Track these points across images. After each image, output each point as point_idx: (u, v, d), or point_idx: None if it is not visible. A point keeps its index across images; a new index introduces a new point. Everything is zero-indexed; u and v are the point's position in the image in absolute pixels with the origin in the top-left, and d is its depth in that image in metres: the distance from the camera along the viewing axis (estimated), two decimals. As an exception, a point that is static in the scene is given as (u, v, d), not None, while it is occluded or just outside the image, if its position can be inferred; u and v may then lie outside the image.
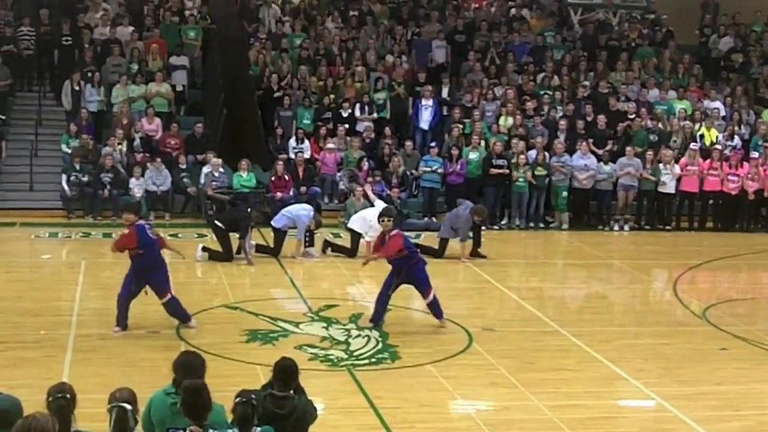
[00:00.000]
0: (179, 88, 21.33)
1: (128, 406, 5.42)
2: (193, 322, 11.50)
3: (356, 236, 15.90)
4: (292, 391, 6.15)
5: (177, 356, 6.25)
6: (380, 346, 11.11)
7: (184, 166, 19.37)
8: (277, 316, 12.13)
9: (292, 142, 20.12)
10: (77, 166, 18.65)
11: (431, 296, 11.89)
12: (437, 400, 9.48)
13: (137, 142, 19.74)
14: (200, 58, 22.09)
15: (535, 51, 23.63)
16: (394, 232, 11.91)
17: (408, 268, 11.81)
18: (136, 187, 18.73)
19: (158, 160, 19.00)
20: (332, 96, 21.27)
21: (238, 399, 5.64)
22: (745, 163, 20.16)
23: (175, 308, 11.32)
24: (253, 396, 5.68)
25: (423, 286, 11.89)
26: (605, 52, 23.64)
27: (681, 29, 25.34)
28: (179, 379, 5.93)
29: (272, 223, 15.89)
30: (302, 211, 15.73)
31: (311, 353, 10.66)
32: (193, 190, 19.03)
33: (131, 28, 22.00)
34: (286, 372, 6.17)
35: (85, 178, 18.51)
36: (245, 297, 13.14)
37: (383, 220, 12.09)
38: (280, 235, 15.76)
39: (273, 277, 14.73)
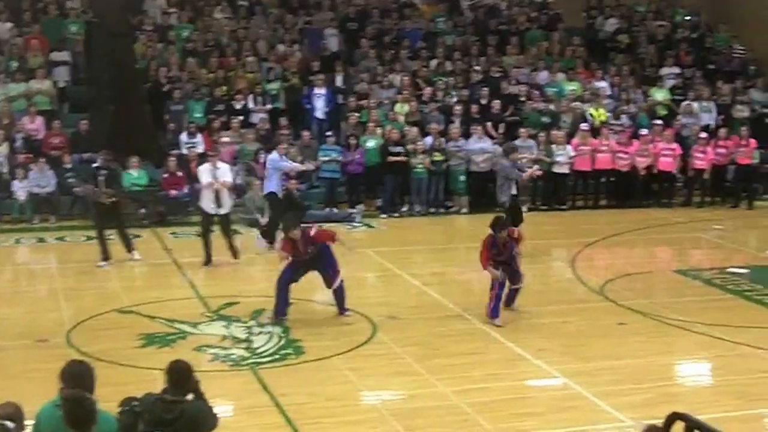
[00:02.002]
0: (62, 85, 20.84)
1: (10, 424, 5.29)
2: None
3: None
4: (191, 396, 6.02)
5: (64, 366, 6.04)
6: (283, 341, 11.09)
7: (69, 166, 18.82)
8: (174, 318, 11.94)
9: (184, 136, 19.70)
10: (-45, 170, 18.06)
11: (338, 282, 11.94)
12: (343, 393, 9.51)
13: (19, 142, 19.17)
14: (83, 53, 21.52)
15: (427, 37, 23.78)
16: (312, 231, 11.91)
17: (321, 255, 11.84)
18: (20, 190, 18.23)
19: (42, 160, 18.47)
20: (224, 88, 21.01)
21: (120, 408, 5.59)
22: (635, 141, 20.57)
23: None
24: (135, 403, 5.61)
25: (333, 270, 11.91)
26: (496, 37, 23.91)
27: (568, 12, 25.74)
28: (68, 389, 5.74)
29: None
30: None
31: (212, 354, 10.56)
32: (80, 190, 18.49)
33: (10, 24, 21.38)
34: (177, 375, 6.03)
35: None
36: (140, 300, 12.83)
37: (291, 231, 11.77)
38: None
39: (169, 278, 14.45)
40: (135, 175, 18.48)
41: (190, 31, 22.51)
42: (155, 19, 22.70)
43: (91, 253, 15.64)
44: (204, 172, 14.95)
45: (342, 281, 11.99)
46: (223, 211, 14.92)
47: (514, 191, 15.40)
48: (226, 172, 15.01)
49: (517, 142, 19.84)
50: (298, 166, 16.94)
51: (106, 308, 12.40)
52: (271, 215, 16.22)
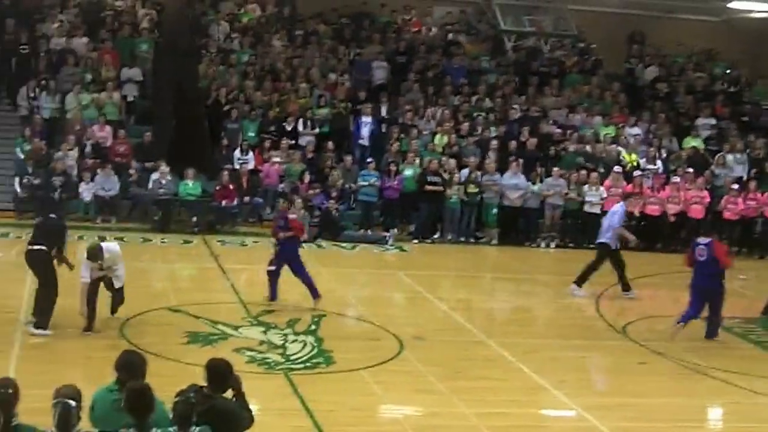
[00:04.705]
0: (130, 98, 21.81)
1: (72, 403, 5.48)
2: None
3: None
4: (230, 394, 6.24)
5: (119, 355, 6.38)
6: (316, 351, 11.46)
7: (132, 173, 19.85)
8: (218, 320, 12.40)
9: (237, 153, 20.65)
10: (30, 169, 19.07)
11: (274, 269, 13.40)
12: (368, 404, 9.87)
13: (88, 148, 20.20)
14: (151, 70, 22.55)
15: (470, 74, 24.39)
16: (292, 215, 13.54)
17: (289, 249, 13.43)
18: (86, 192, 19.24)
19: (108, 166, 19.52)
20: (277, 110, 21.85)
21: (177, 397, 5.76)
22: (667, 187, 20.94)
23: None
24: (191, 394, 5.79)
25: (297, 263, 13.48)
26: (536, 78, 24.47)
27: (609, 58, 26.22)
28: (122, 377, 6.08)
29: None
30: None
31: (249, 356, 10.97)
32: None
33: (86, 39, 22.43)
34: (215, 372, 6.21)
35: (37, 181, 18.91)
36: (187, 300, 13.44)
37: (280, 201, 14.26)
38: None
39: (215, 282, 15.10)
40: (190, 185, 19.51)
41: (249, 55, 23.38)
42: (219, 43, 23.61)
43: (145, 253, 16.56)
44: None
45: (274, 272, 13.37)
46: None
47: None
48: None
49: (549, 181, 20.59)
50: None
51: (156, 305, 13.04)
52: None
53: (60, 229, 11.93)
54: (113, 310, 12.03)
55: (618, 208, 16.11)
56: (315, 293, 13.53)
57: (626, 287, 15.81)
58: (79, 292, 11.49)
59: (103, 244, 11.87)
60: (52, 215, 12.12)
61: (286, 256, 13.56)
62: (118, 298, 11.91)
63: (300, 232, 13.92)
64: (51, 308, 11.41)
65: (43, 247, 11.38)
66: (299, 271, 13.61)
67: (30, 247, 11.52)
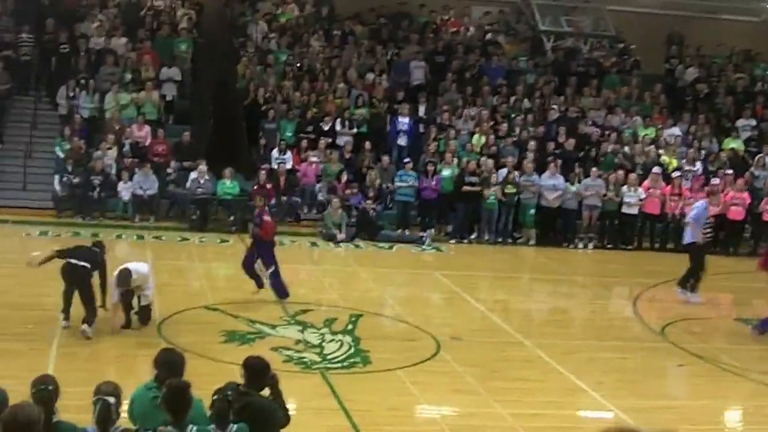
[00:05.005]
0: (169, 98, 21.98)
1: (112, 399, 5.53)
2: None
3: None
4: (268, 392, 6.28)
5: (158, 353, 6.45)
6: (352, 350, 11.50)
7: (171, 172, 20.00)
8: (255, 319, 12.49)
9: (275, 153, 20.78)
10: (69, 168, 19.26)
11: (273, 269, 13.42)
12: (405, 404, 9.88)
13: (127, 147, 20.40)
14: (190, 70, 22.73)
15: (509, 74, 24.38)
16: (267, 216, 13.68)
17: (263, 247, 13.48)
18: (124, 191, 19.41)
19: (147, 165, 19.67)
20: (314, 110, 21.93)
21: (215, 396, 5.86)
22: (706, 188, 20.59)
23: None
24: (229, 393, 5.87)
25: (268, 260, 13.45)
26: (575, 78, 24.41)
27: (647, 59, 26.07)
28: (161, 375, 6.15)
29: None
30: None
31: (286, 355, 11.03)
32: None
33: (125, 39, 22.64)
34: (252, 370, 6.26)
35: (76, 180, 19.13)
36: (224, 299, 13.53)
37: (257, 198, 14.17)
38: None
39: (252, 280, 14.86)
40: (228, 184, 19.63)
41: (287, 55, 23.48)
42: (257, 43, 23.70)
43: (183, 252, 16.71)
44: None
45: (273, 272, 13.39)
46: None
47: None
48: None
49: (587, 181, 20.50)
50: None
51: (193, 304, 13.13)
52: None
53: (102, 262, 11.90)
54: (142, 323, 11.99)
55: (700, 204, 15.85)
56: (283, 293, 13.66)
57: (693, 287, 15.55)
58: (110, 307, 11.61)
59: (132, 266, 11.77)
60: (96, 248, 12.08)
61: (260, 252, 13.56)
62: (143, 315, 11.88)
63: (267, 235, 13.71)
64: (95, 311, 11.54)
65: (87, 265, 11.42)
66: (268, 266, 13.62)
67: (72, 261, 11.47)
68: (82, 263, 11.42)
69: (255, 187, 19.59)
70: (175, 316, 12.25)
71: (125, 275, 11.48)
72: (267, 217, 13.78)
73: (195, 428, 5.60)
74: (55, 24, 22.32)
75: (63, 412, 5.58)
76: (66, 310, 11.52)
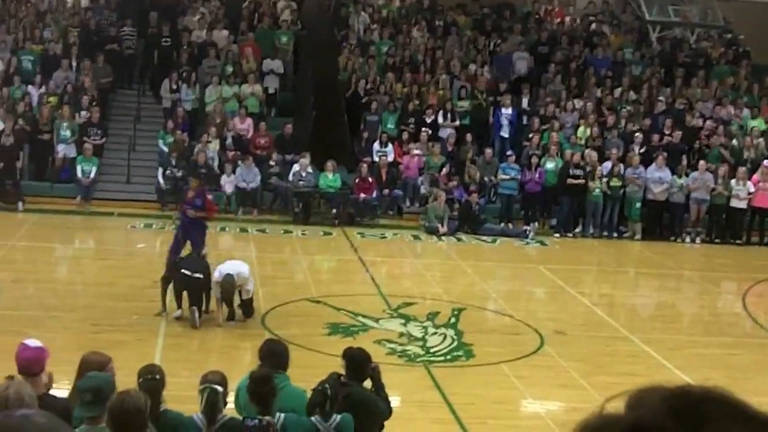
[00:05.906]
0: (271, 91, 22.14)
1: (219, 388, 5.54)
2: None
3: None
4: (371, 384, 6.29)
5: (263, 344, 6.48)
6: (456, 344, 11.51)
7: (273, 164, 20.14)
8: (358, 312, 12.51)
9: (377, 145, 20.75)
10: (173, 161, 19.56)
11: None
12: (509, 398, 9.84)
13: (229, 140, 20.58)
14: (292, 62, 22.89)
15: (614, 66, 23.95)
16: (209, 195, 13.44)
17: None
18: (227, 184, 19.56)
19: (249, 158, 19.80)
20: (416, 102, 21.86)
21: (314, 387, 5.88)
22: None
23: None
24: (327, 385, 5.82)
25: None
26: (682, 69, 23.84)
27: (757, 49, 25.31)
28: (265, 365, 6.17)
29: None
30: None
31: (389, 348, 11.04)
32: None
33: (226, 32, 22.93)
34: (352, 361, 6.26)
35: (180, 173, 19.35)
36: (327, 292, 13.63)
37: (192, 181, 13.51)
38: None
39: (355, 274, 15.26)
40: (330, 177, 19.65)
41: (389, 47, 23.45)
42: (359, 34, 23.76)
43: (286, 245, 16.86)
44: None
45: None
46: None
47: None
48: None
49: (695, 175, 20.01)
50: None
51: (297, 297, 13.25)
52: None
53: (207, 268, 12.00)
54: (246, 316, 12.03)
55: None
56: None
57: None
58: (214, 306, 11.69)
59: (233, 270, 11.55)
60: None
61: (194, 235, 12.71)
62: (246, 309, 11.92)
63: (211, 213, 13.33)
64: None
65: (200, 276, 11.51)
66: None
67: (189, 273, 11.50)
68: (197, 275, 11.49)
69: (357, 180, 19.60)
70: (279, 308, 12.37)
71: (230, 284, 11.45)
72: (210, 196, 13.62)
73: (283, 416, 5.59)
74: (157, 17, 22.73)
75: (169, 401, 5.63)
76: (178, 303, 11.66)
